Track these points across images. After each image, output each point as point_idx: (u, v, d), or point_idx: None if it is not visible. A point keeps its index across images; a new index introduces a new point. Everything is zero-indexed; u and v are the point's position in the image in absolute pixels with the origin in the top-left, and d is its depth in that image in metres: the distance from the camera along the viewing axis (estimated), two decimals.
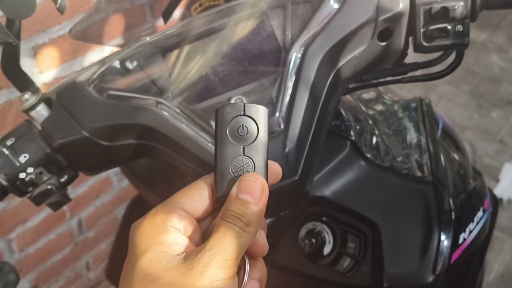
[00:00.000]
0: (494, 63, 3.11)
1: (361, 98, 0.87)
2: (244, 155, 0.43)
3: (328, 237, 0.79)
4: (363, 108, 0.87)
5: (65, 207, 1.49)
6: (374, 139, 0.79)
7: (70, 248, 1.57)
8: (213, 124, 0.61)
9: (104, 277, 1.70)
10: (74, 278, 1.65)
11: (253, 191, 0.42)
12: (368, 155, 0.76)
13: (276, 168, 0.46)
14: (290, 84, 0.60)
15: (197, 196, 0.43)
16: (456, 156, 0.85)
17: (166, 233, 0.41)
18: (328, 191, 0.74)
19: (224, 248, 0.39)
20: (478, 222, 0.76)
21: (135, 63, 0.65)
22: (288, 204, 0.66)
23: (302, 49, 0.61)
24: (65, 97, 0.64)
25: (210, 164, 0.60)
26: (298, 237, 0.81)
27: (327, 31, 0.61)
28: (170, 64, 0.64)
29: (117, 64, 0.65)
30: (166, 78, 0.63)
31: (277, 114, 0.60)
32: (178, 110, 0.62)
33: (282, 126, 0.60)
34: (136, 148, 0.65)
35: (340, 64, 0.63)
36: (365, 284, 0.77)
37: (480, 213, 0.77)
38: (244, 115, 0.43)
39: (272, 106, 0.61)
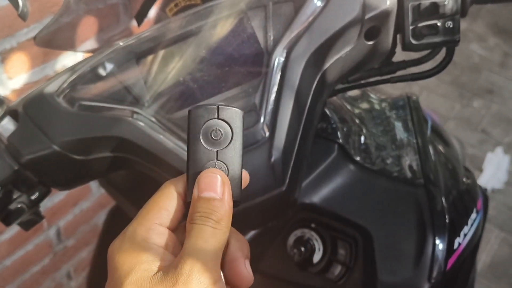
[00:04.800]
0: (474, 52, 3.12)
1: (346, 97, 0.84)
2: (217, 159, 0.42)
3: (318, 245, 0.76)
4: (349, 108, 0.83)
5: None
6: (362, 141, 0.76)
7: (49, 258, 1.52)
8: None
9: (86, 286, 1.65)
10: None
11: (214, 186, 0.41)
12: (357, 158, 0.73)
13: (244, 175, 0.44)
14: (274, 89, 0.57)
15: (171, 207, 0.42)
16: (446, 156, 0.83)
17: (149, 251, 0.39)
18: (316, 197, 0.71)
19: (201, 253, 0.38)
20: (472, 225, 0.73)
21: (108, 70, 0.60)
22: (276, 215, 0.62)
23: (285, 51, 0.57)
24: (32, 110, 0.59)
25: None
26: (286, 245, 0.78)
27: (311, 31, 0.57)
28: (145, 70, 0.60)
29: (88, 71, 0.60)
30: (142, 85, 0.59)
31: (261, 121, 0.56)
32: (155, 120, 0.58)
33: (267, 134, 0.56)
34: (112, 161, 0.61)
35: (326, 66, 0.60)
36: None
37: (473, 215, 0.75)
38: (218, 118, 0.41)
39: (255, 112, 0.57)
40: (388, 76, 0.67)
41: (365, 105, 0.83)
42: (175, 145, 0.57)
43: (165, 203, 0.42)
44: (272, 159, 0.55)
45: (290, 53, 0.57)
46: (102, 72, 0.60)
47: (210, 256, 0.38)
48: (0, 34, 1.05)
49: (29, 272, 1.47)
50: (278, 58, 0.57)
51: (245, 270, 0.42)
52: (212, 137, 0.41)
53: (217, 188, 0.41)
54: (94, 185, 1.54)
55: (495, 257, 2.07)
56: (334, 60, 0.60)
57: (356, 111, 0.83)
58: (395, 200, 0.71)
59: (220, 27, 0.59)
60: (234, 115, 0.42)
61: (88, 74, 0.60)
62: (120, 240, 0.41)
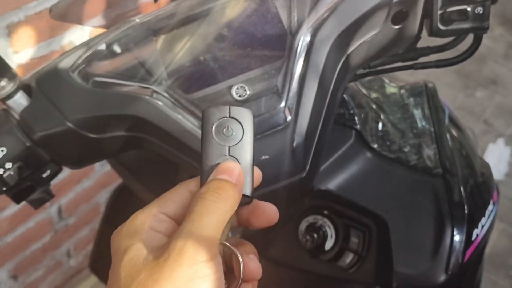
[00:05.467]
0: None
1: (363, 83, 0.82)
2: (229, 155, 0.43)
3: (330, 232, 0.75)
4: (366, 94, 0.82)
5: None
6: (380, 128, 0.74)
7: (50, 236, 1.50)
8: None
9: (85, 264, 1.64)
10: (54, 266, 1.60)
11: (231, 172, 0.41)
12: (374, 146, 0.72)
13: (256, 172, 0.45)
14: (297, 72, 0.55)
15: (180, 203, 0.42)
16: (463, 145, 0.81)
17: (145, 234, 0.39)
18: (332, 184, 0.69)
19: (198, 227, 0.38)
20: (489, 216, 0.72)
21: (124, 47, 0.58)
22: (293, 201, 0.61)
23: (310, 33, 0.55)
24: (46, 84, 0.57)
25: None
26: (298, 231, 0.77)
27: (338, 13, 0.55)
28: (163, 48, 0.58)
29: (103, 47, 0.58)
30: (159, 63, 0.57)
31: (282, 104, 0.55)
32: (173, 100, 0.56)
33: (288, 118, 0.54)
34: (127, 140, 0.60)
35: (351, 49, 0.58)
36: (369, 280, 0.73)
37: (490, 206, 0.74)
38: (230, 117, 0.44)
39: (277, 95, 0.55)
40: (411, 62, 0.65)
41: (382, 91, 0.81)
42: (193, 126, 0.55)
43: (173, 196, 0.42)
44: (294, 144, 0.54)
45: (315, 35, 0.55)
46: (118, 48, 0.58)
47: (208, 232, 0.37)
48: (7, 7, 1.03)
49: (29, 249, 1.46)
50: (303, 39, 0.55)
51: (252, 262, 0.42)
52: (223, 134, 0.43)
53: (233, 174, 0.41)
54: (97, 163, 1.52)
55: (494, 247, 2.07)
56: (359, 44, 0.58)
57: (374, 96, 0.81)
58: (413, 190, 0.69)
59: (242, 6, 0.57)
60: (245, 114, 0.44)
61: (103, 50, 0.58)
62: (121, 225, 0.41)
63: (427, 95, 0.80)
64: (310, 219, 0.76)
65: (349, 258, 0.74)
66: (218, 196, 0.39)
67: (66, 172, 1.41)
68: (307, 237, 0.75)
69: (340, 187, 0.69)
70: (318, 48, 0.55)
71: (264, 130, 0.55)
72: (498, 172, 2.38)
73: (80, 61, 0.57)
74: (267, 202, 0.46)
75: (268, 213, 0.45)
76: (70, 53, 0.59)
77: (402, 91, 0.82)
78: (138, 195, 0.78)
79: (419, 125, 0.76)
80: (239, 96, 0.55)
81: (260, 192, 0.57)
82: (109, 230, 1.15)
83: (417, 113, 0.78)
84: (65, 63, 0.58)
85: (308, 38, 0.55)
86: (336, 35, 0.55)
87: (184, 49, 0.57)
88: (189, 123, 0.55)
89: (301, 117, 0.54)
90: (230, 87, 0.56)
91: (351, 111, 0.72)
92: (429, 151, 0.73)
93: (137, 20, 0.59)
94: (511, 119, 2.73)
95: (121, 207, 1.09)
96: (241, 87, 0.56)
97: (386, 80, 0.85)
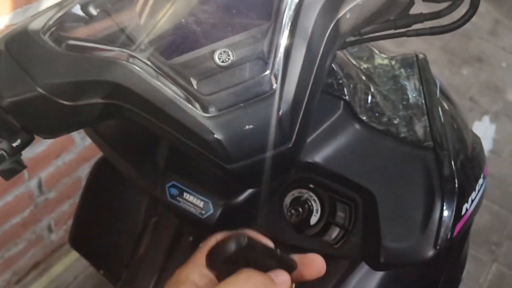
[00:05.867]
0: None
1: (352, 53, 0.79)
2: None
3: (316, 206, 0.73)
4: (355, 64, 0.79)
5: None
6: (369, 99, 0.72)
7: (30, 210, 1.47)
8: (193, 81, 0.53)
9: (67, 239, 1.61)
10: (35, 241, 1.57)
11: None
12: (363, 117, 0.69)
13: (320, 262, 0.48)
14: (284, 36, 0.52)
15: None
16: (455, 118, 0.79)
17: (187, 286, 0.43)
18: (319, 157, 0.67)
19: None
20: (479, 191, 0.70)
21: (100, 8, 0.54)
22: (279, 173, 0.58)
23: None
24: (15, 47, 0.53)
25: (190, 129, 0.52)
26: (282, 206, 0.74)
27: None
28: (142, 10, 0.54)
29: (78, 8, 0.54)
30: (138, 26, 0.54)
31: (269, 70, 0.52)
32: (153, 66, 0.52)
33: (274, 86, 0.51)
34: (104, 108, 0.56)
35: (341, 13, 0.55)
36: (356, 255, 0.71)
37: (480, 180, 0.72)
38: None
39: (263, 61, 0.52)
40: (404, 30, 0.62)
41: (372, 62, 0.79)
42: (173, 93, 0.52)
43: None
44: (280, 113, 0.51)
45: None
46: (93, 9, 0.54)
47: None
48: None
49: (8, 224, 1.43)
50: (290, 1, 0.52)
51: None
52: None
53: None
54: (78, 137, 1.48)
55: (475, 224, 2.08)
56: (350, 8, 0.55)
57: (363, 67, 0.78)
58: (402, 162, 0.67)
59: None
60: None
61: (77, 11, 0.54)
62: (171, 277, 0.45)
63: (418, 67, 0.77)
64: (295, 192, 0.74)
65: (335, 232, 0.72)
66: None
67: (44, 145, 1.37)
68: (292, 211, 0.73)
69: (327, 159, 0.67)
70: (307, 11, 0.52)
71: (248, 98, 0.52)
72: None
73: (51, 22, 0.53)
74: (313, 254, 0.49)
75: (316, 264, 0.48)
76: (41, 13, 0.55)
77: (393, 62, 0.79)
78: (118, 168, 0.75)
79: (410, 97, 0.74)
80: (222, 61, 0.52)
81: (242, 163, 0.54)
82: (89, 204, 1.13)
83: (408, 84, 0.75)
84: (36, 25, 0.54)
85: (296, 0, 0.52)
86: None
87: (163, 10, 0.54)
88: (170, 90, 0.52)
89: (288, 85, 0.51)
90: (213, 52, 0.53)
91: (340, 81, 0.69)
92: (419, 124, 0.70)
93: None
94: (497, 96, 2.73)
95: (101, 181, 1.06)
96: (224, 52, 0.52)
97: (376, 51, 0.82)
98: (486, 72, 2.86)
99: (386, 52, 0.82)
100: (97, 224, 1.08)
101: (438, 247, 0.62)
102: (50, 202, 1.53)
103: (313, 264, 0.47)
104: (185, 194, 0.66)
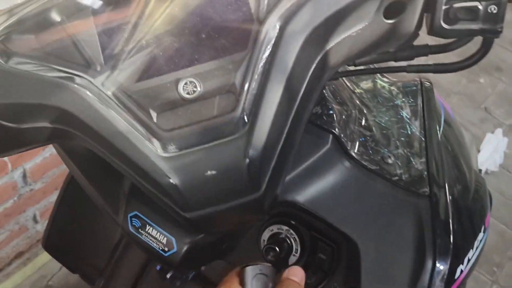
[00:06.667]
0: None
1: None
2: None
3: (295, 245, 0.66)
4: (350, 87, 0.71)
5: (6, 159, 1.33)
6: (362, 132, 0.64)
7: (13, 200, 1.43)
8: (153, 113, 0.46)
9: (47, 229, 1.57)
10: (18, 231, 1.53)
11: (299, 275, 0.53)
12: (354, 154, 0.62)
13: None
14: (260, 69, 0.44)
15: None
16: (458, 157, 0.71)
17: None
18: (301, 196, 0.60)
19: None
20: (477, 248, 0.63)
21: (54, 19, 0.47)
22: (245, 222, 0.51)
23: (280, 21, 0.44)
24: None
25: (143, 169, 0.45)
26: (259, 241, 0.67)
27: (316, 0, 0.44)
28: (101, 26, 0.47)
29: (29, 17, 0.47)
30: (95, 44, 0.47)
31: (239, 108, 0.44)
32: (108, 92, 0.45)
33: (246, 127, 0.44)
34: (53, 132, 0.49)
35: (331, 45, 0.47)
36: None
37: (480, 235, 0.64)
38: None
39: (234, 96, 0.45)
40: (404, 63, 0.55)
41: (370, 86, 0.71)
42: (128, 126, 0.45)
43: None
44: (247, 160, 0.44)
45: (286, 24, 0.44)
46: (45, 20, 0.47)
47: None
48: None
49: None
50: (271, 30, 0.44)
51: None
52: None
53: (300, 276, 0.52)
54: None
55: None
56: (341, 39, 0.47)
57: (360, 91, 0.70)
58: (393, 210, 0.60)
59: None
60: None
61: (28, 21, 0.47)
62: None
63: (422, 96, 0.69)
64: (274, 228, 0.67)
65: (314, 276, 0.66)
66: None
67: None
68: (269, 247, 0.66)
69: (309, 199, 0.59)
70: (289, 41, 0.44)
71: (213, 138, 0.45)
72: (493, 162, 2.30)
73: None
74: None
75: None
76: None
77: (395, 88, 0.71)
78: (82, 187, 0.69)
79: (409, 131, 0.66)
80: (187, 93, 0.45)
81: (204, 212, 0.47)
82: (66, 208, 1.06)
83: (408, 116, 0.67)
84: None
85: (277, 28, 0.44)
86: (312, 27, 0.45)
87: (126, 29, 0.47)
88: (124, 122, 0.45)
89: (260, 125, 0.44)
90: (178, 81, 0.46)
91: (330, 111, 0.61)
92: (416, 166, 0.63)
93: None
94: None
95: (79, 186, 1.00)
96: (190, 82, 0.45)
97: (379, 75, 0.74)
98: (504, 82, 2.75)
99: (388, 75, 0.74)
100: (74, 229, 1.03)
101: None
102: (36, 193, 1.49)
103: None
104: (147, 227, 0.59)
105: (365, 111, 0.67)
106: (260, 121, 0.44)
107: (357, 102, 0.68)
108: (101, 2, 0.47)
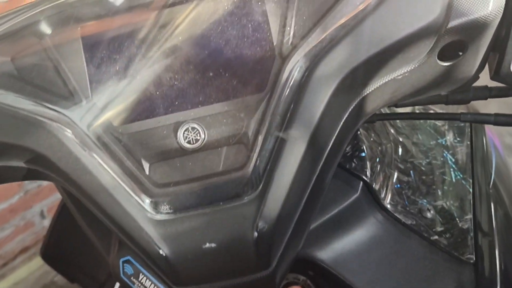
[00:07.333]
0: None
1: None
2: None
3: None
4: (387, 123, 0.61)
5: None
6: (398, 179, 0.54)
7: (19, 196, 1.37)
8: (145, 163, 0.37)
9: (50, 227, 1.53)
10: (24, 227, 1.48)
11: None
12: (386, 203, 0.52)
13: None
14: (279, 117, 0.35)
15: None
16: (509, 211, 0.60)
17: None
18: (323, 252, 0.51)
19: None
20: None
21: (34, 38, 0.39)
22: None
23: (309, 60, 0.35)
24: None
25: (128, 233, 0.37)
26: None
27: (356, 36, 0.35)
28: (92, 57, 0.38)
29: (4, 36, 0.39)
30: (82, 72, 0.38)
31: (251, 165, 0.36)
32: (91, 133, 0.37)
33: (258, 189, 0.36)
34: (29, 172, 0.41)
35: (370, 90, 0.38)
36: None
37: None
38: None
39: (245, 149, 0.36)
40: (458, 111, 0.45)
41: (411, 121, 0.61)
42: (114, 180, 0.36)
43: None
44: (256, 233, 0.35)
45: (316, 65, 0.35)
46: (26, 39, 0.39)
47: None
48: None
49: None
50: (296, 69, 0.35)
51: None
52: None
53: None
54: None
55: None
56: (383, 83, 0.38)
57: (399, 125, 0.60)
58: (430, 277, 0.50)
59: (212, 4, 0.37)
60: None
61: (4, 40, 0.39)
62: None
63: (471, 134, 0.59)
64: (290, 277, 0.58)
65: None
66: None
67: None
68: None
69: (333, 257, 0.50)
70: (318, 86, 0.35)
71: (216, 200, 0.36)
72: None
73: None
74: None
75: None
76: None
77: (439, 123, 0.61)
78: (76, 219, 0.61)
79: (453, 178, 0.56)
80: (188, 141, 0.37)
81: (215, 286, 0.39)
82: (66, 219, 1.00)
83: (453, 160, 0.57)
84: None
85: (304, 69, 0.35)
86: (348, 70, 0.35)
87: (119, 61, 0.38)
88: (108, 173, 0.37)
89: (275, 189, 0.35)
90: (177, 126, 0.37)
91: (362, 154, 0.52)
92: (461, 224, 0.53)
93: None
94: None
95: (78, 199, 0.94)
96: (192, 128, 0.37)
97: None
98: None
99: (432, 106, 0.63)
100: (73, 241, 0.97)
101: None
102: (43, 190, 1.43)
103: None
104: (141, 276, 0.51)
105: (402, 151, 0.57)
106: (276, 184, 0.35)
107: (393, 137, 0.59)
108: (92, 21, 0.39)
